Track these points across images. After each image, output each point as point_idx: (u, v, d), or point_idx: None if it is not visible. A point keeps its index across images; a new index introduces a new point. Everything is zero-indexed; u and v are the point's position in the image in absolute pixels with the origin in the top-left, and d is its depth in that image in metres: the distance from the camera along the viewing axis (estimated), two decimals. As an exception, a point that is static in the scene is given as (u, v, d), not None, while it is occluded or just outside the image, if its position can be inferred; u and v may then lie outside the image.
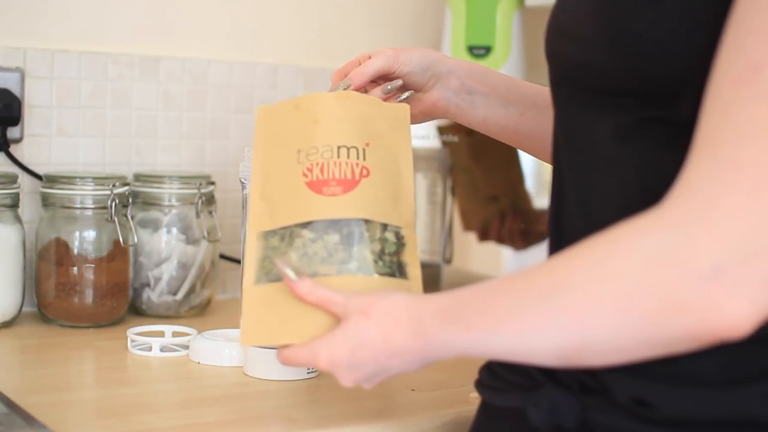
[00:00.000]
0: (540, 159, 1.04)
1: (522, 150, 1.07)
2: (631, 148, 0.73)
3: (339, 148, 0.87)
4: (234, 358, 1.11)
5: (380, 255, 0.85)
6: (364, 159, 0.87)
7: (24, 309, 1.30)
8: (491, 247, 1.74)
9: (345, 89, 0.95)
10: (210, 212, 1.39)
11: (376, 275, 0.84)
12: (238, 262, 1.44)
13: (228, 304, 1.47)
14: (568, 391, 0.75)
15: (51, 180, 1.30)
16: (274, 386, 1.05)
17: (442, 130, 1.62)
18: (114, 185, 1.29)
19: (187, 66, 1.49)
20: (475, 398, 0.87)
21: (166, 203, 1.36)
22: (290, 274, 0.82)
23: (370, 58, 0.98)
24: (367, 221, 0.85)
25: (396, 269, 0.86)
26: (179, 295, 1.36)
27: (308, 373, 1.07)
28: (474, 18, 1.58)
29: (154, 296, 1.36)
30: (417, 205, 1.62)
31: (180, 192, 1.36)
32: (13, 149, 1.37)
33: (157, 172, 1.40)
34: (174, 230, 1.36)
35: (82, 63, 1.42)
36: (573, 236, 0.72)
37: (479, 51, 1.58)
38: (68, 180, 1.29)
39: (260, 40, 1.57)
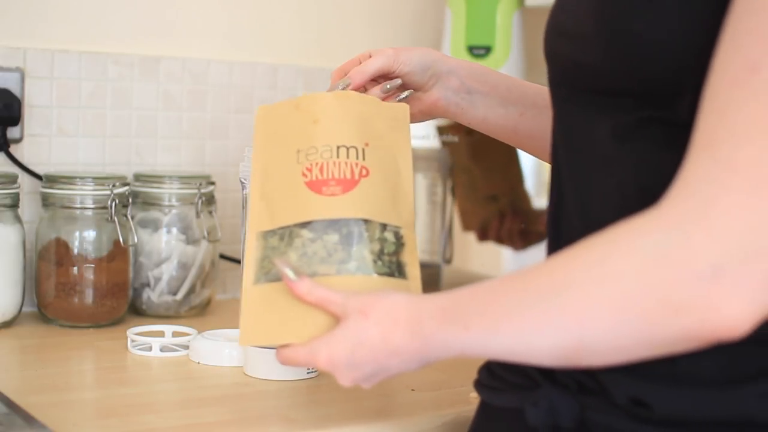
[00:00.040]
0: (540, 158, 1.04)
1: (522, 149, 1.07)
2: (630, 148, 0.73)
3: (338, 147, 0.87)
4: (234, 358, 1.11)
5: (379, 255, 0.85)
6: (364, 159, 0.87)
7: (24, 309, 1.30)
8: (491, 247, 1.74)
9: (344, 88, 0.95)
10: (210, 212, 1.39)
11: (375, 275, 0.84)
12: (238, 262, 1.44)
13: (228, 304, 1.47)
14: (566, 391, 0.75)
15: (51, 180, 1.30)
16: (274, 386, 1.05)
17: (441, 130, 1.62)
18: (114, 185, 1.29)
19: (187, 66, 1.50)
20: (474, 398, 0.87)
21: (166, 203, 1.36)
22: (289, 273, 0.82)
23: (370, 57, 0.98)
24: (366, 221, 0.85)
25: (395, 269, 0.86)
26: (179, 295, 1.36)
27: (308, 373, 1.07)
28: (474, 18, 1.58)
29: (154, 296, 1.36)
30: (417, 205, 1.62)
31: (180, 192, 1.36)
32: (13, 149, 1.37)
33: (157, 172, 1.40)
34: (174, 230, 1.36)
35: (82, 63, 1.42)
36: (571, 236, 0.72)
37: (479, 51, 1.58)
38: (68, 180, 1.29)
39: (260, 40, 1.57)
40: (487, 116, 1.01)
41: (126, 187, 1.32)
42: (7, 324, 1.27)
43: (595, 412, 0.73)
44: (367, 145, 0.88)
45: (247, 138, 1.51)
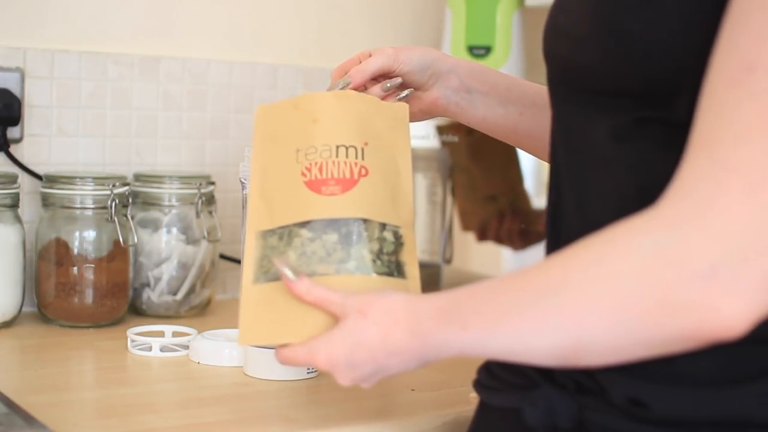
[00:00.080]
0: (539, 158, 1.04)
1: (521, 149, 1.07)
2: (628, 148, 0.73)
3: (338, 147, 0.87)
4: (234, 358, 1.11)
5: (378, 254, 0.85)
6: (363, 158, 0.87)
7: (24, 309, 1.30)
8: (491, 247, 1.74)
9: (344, 87, 0.95)
10: (210, 212, 1.39)
11: (374, 275, 0.84)
12: (238, 262, 1.44)
13: (228, 304, 1.47)
14: (564, 391, 0.75)
15: (51, 180, 1.30)
16: (274, 386, 1.05)
17: (441, 130, 1.62)
18: (114, 185, 1.29)
19: (187, 66, 1.50)
20: (474, 398, 0.87)
21: (166, 203, 1.36)
22: (288, 273, 0.82)
23: (370, 56, 0.98)
24: (365, 221, 0.85)
25: (394, 269, 0.86)
26: (179, 295, 1.36)
27: (308, 373, 1.07)
28: (474, 18, 1.58)
29: (154, 296, 1.36)
30: (417, 206, 1.62)
31: (180, 192, 1.36)
32: (13, 149, 1.37)
33: (157, 172, 1.40)
34: (174, 230, 1.36)
35: (82, 63, 1.42)
36: (570, 236, 0.72)
37: (479, 51, 1.58)
38: (68, 180, 1.29)
39: (260, 40, 1.57)
40: (486, 115, 1.01)
41: (126, 187, 1.32)
42: (7, 324, 1.27)
43: (593, 412, 0.73)
44: (366, 144, 0.88)
45: (247, 138, 1.51)
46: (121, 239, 1.30)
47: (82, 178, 1.30)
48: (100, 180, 1.30)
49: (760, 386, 0.68)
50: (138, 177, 1.38)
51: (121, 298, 1.32)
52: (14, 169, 1.36)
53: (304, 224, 0.85)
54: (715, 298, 0.62)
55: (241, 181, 1.07)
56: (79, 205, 1.29)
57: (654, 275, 0.63)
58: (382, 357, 0.75)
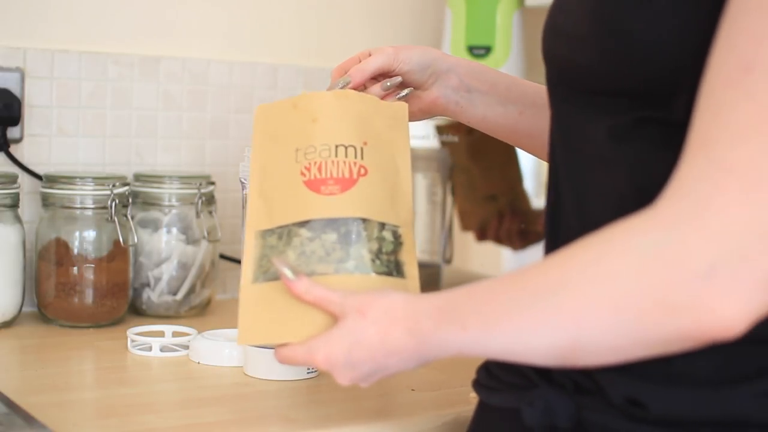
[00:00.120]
0: (539, 157, 1.04)
1: (521, 148, 1.07)
2: (627, 148, 0.73)
3: (337, 147, 0.87)
4: (234, 358, 1.11)
5: (377, 254, 0.85)
6: (362, 158, 0.87)
7: (24, 309, 1.30)
8: (491, 247, 1.74)
9: (344, 86, 0.95)
10: (210, 212, 1.39)
11: (373, 274, 0.84)
12: (238, 262, 1.44)
13: (228, 304, 1.47)
14: (562, 391, 0.75)
15: (51, 180, 1.30)
16: (274, 386, 1.05)
17: (441, 130, 1.62)
18: (114, 185, 1.29)
19: (187, 66, 1.50)
20: (474, 398, 0.87)
21: (166, 203, 1.36)
22: (288, 273, 0.82)
23: (370, 55, 0.98)
24: (364, 220, 0.85)
25: (393, 268, 0.86)
26: (179, 295, 1.36)
27: (308, 372, 1.07)
28: (474, 18, 1.58)
29: (154, 296, 1.36)
30: (417, 206, 1.62)
31: (180, 192, 1.36)
32: (13, 149, 1.37)
33: (157, 172, 1.40)
34: (174, 230, 1.36)
35: (82, 63, 1.42)
36: (569, 236, 0.72)
37: (479, 51, 1.58)
38: (68, 180, 1.29)
39: (260, 40, 1.57)
40: (486, 115, 1.01)
41: (126, 187, 1.32)
42: (7, 324, 1.27)
43: (591, 412, 0.73)
44: (365, 144, 0.88)
45: (247, 138, 1.50)
46: (121, 239, 1.30)
47: (82, 178, 1.30)
48: (100, 180, 1.30)
49: (758, 386, 0.68)
50: (138, 177, 1.38)
51: (121, 298, 1.32)
52: (14, 169, 1.36)
53: (303, 224, 0.85)
54: (713, 298, 0.62)
55: (241, 181, 1.07)
56: (79, 205, 1.29)
57: (652, 275, 0.63)
58: (380, 356, 0.75)
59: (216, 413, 0.96)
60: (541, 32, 0.82)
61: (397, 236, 0.87)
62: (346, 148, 0.87)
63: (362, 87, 0.97)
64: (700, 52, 0.67)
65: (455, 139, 1.62)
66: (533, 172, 1.75)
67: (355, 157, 0.87)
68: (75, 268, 1.29)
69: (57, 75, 1.40)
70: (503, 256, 1.75)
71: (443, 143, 1.62)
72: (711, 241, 0.62)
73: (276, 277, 0.84)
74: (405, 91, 0.98)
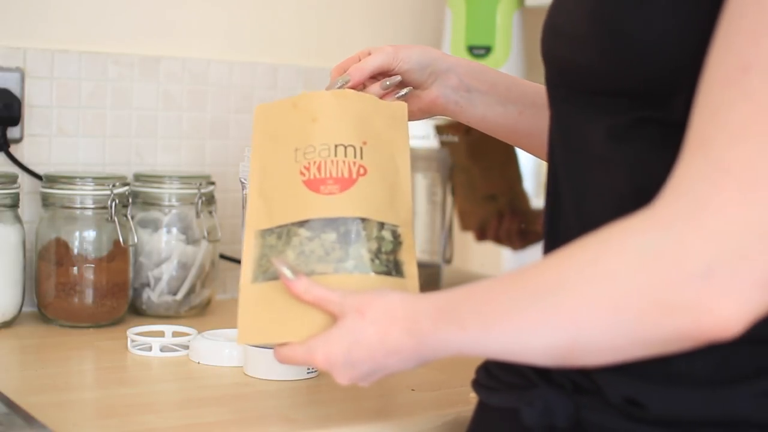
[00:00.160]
0: (539, 157, 1.04)
1: (520, 148, 1.08)
2: (626, 148, 0.73)
3: (336, 146, 0.87)
4: (234, 358, 1.11)
5: (377, 253, 0.85)
6: (362, 157, 0.87)
7: (24, 309, 1.30)
8: (491, 247, 1.74)
9: (343, 85, 0.95)
10: (210, 212, 1.39)
11: (372, 274, 0.84)
12: (238, 262, 1.44)
13: (228, 304, 1.47)
14: (561, 391, 0.75)
15: (51, 180, 1.30)
16: (274, 386, 1.05)
17: (441, 130, 1.62)
18: (114, 185, 1.29)
19: (187, 66, 1.50)
20: (474, 398, 0.87)
21: (166, 203, 1.36)
22: (287, 272, 0.82)
23: (369, 54, 0.98)
24: (364, 220, 0.85)
25: (392, 268, 0.86)
26: (179, 295, 1.36)
27: (308, 372, 1.07)
28: (474, 18, 1.58)
29: (154, 296, 1.36)
30: (417, 206, 1.62)
31: (180, 192, 1.36)
32: (13, 149, 1.37)
33: (157, 172, 1.40)
34: (174, 230, 1.36)
35: (82, 63, 1.42)
36: (568, 236, 0.72)
37: (479, 51, 1.58)
38: (68, 180, 1.29)
39: (260, 40, 1.57)
40: (485, 114, 1.01)
41: (126, 187, 1.32)
42: (7, 324, 1.27)
43: (590, 412, 0.73)
44: (365, 143, 0.88)
45: (247, 138, 1.50)
46: (121, 239, 1.30)
47: (82, 178, 1.30)
48: (100, 180, 1.30)
49: (757, 386, 0.68)
50: (138, 177, 1.38)
51: (121, 298, 1.32)
52: (14, 169, 1.36)
53: (302, 223, 0.85)
54: (711, 298, 0.62)
55: (241, 181, 1.07)
56: (79, 205, 1.29)
57: (650, 275, 0.63)
58: (380, 356, 0.76)
59: (216, 413, 0.96)
60: (541, 33, 0.82)
61: (396, 236, 0.87)
62: (345, 147, 0.87)
63: (361, 86, 0.97)
64: (698, 52, 0.67)
65: (455, 139, 1.62)
66: (533, 172, 1.75)
67: (355, 156, 0.87)
68: (75, 268, 1.29)
69: (57, 75, 1.40)
70: (503, 256, 1.75)
71: (443, 143, 1.62)
72: (709, 240, 0.62)
73: (275, 276, 0.84)
74: (404, 91, 0.98)
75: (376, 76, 0.98)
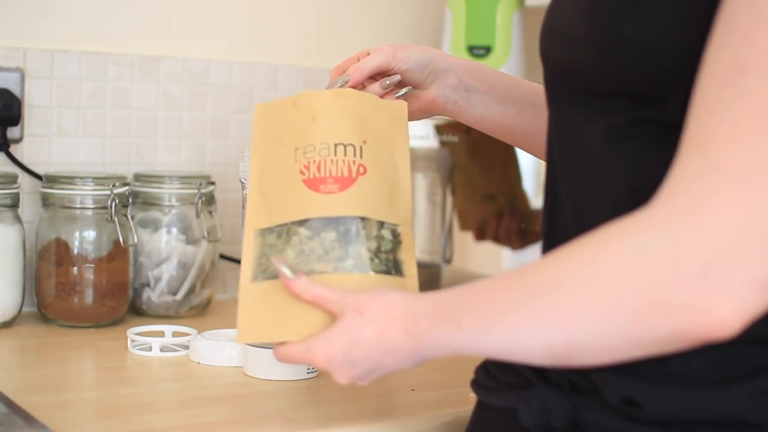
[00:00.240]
0: (538, 157, 1.04)
1: (520, 148, 1.08)
2: (623, 148, 0.73)
3: (336, 145, 0.87)
4: (234, 358, 1.11)
5: (376, 253, 0.85)
6: (361, 156, 0.87)
7: (24, 309, 1.30)
8: (491, 247, 1.74)
9: (343, 85, 0.95)
10: (210, 212, 1.39)
11: (372, 273, 0.84)
12: (238, 262, 1.44)
13: (228, 304, 1.47)
14: (559, 391, 0.75)
15: (51, 180, 1.30)
16: (274, 386, 1.05)
17: (440, 130, 1.62)
18: (114, 185, 1.29)
19: (187, 66, 1.50)
20: (474, 398, 0.87)
21: (166, 203, 1.36)
22: (286, 271, 0.82)
23: (369, 54, 0.98)
24: (363, 219, 0.85)
25: (392, 267, 0.86)
26: (179, 295, 1.36)
27: (308, 372, 1.07)
28: (474, 18, 1.58)
29: (154, 296, 1.36)
30: (417, 205, 1.62)
31: (180, 192, 1.36)
32: (13, 149, 1.37)
33: (157, 172, 1.40)
34: (174, 230, 1.36)
35: (82, 63, 1.42)
36: (566, 236, 0.72)
37: (479, 51, 1.58)
38: (68, 180, 1.29)
39: (260, 40, 1.57)
40: (485, 114, 1.01)
41: (126, 187, 1.32)
42: (7, 324, 1.27)
43: (587, 412, 0.73)
44: (364, 142, 0.88)
45: (247, 138, 1.50)
46: (121, 239, 1.30)
47: (82, 178, 1.30)
48: (100, 180, 1.30)
49: (754, 386, 0.68)
50: (138, 177, 1.38)
51: (121, 298, 1.32)
52: (14, 169, 1.36)
53: (302, 222, 0.85)
54: (708, 298, 0.62)
55: (241, 181, 1.07)
56: (79, 205, 1.29)
57: (646, 275, 0.63)
58: (379, 355, 0.76)
59: (216, 413, 0.96)
60: (539, 33, 0.82)
61: (396, 235, 0.87)
62: (345, 146, 0.87)
63: (361, 86, 0.97)
64: (695, 53, 0.67)
65: (455, 138, 1.62)
66: (532, 172, 1.75)
67: (354, 155, 0.87)
68: (75, 268, 1.29)
69: (57, 75, 1.40)
70: (503, 255, 1.75)
71: (443, 143, 1.62)
72: (705, 240, 0.62)
73: (275, 275, 0.84)
74: (404, 90, 0.98)
75: (376, 76, 0.98)
